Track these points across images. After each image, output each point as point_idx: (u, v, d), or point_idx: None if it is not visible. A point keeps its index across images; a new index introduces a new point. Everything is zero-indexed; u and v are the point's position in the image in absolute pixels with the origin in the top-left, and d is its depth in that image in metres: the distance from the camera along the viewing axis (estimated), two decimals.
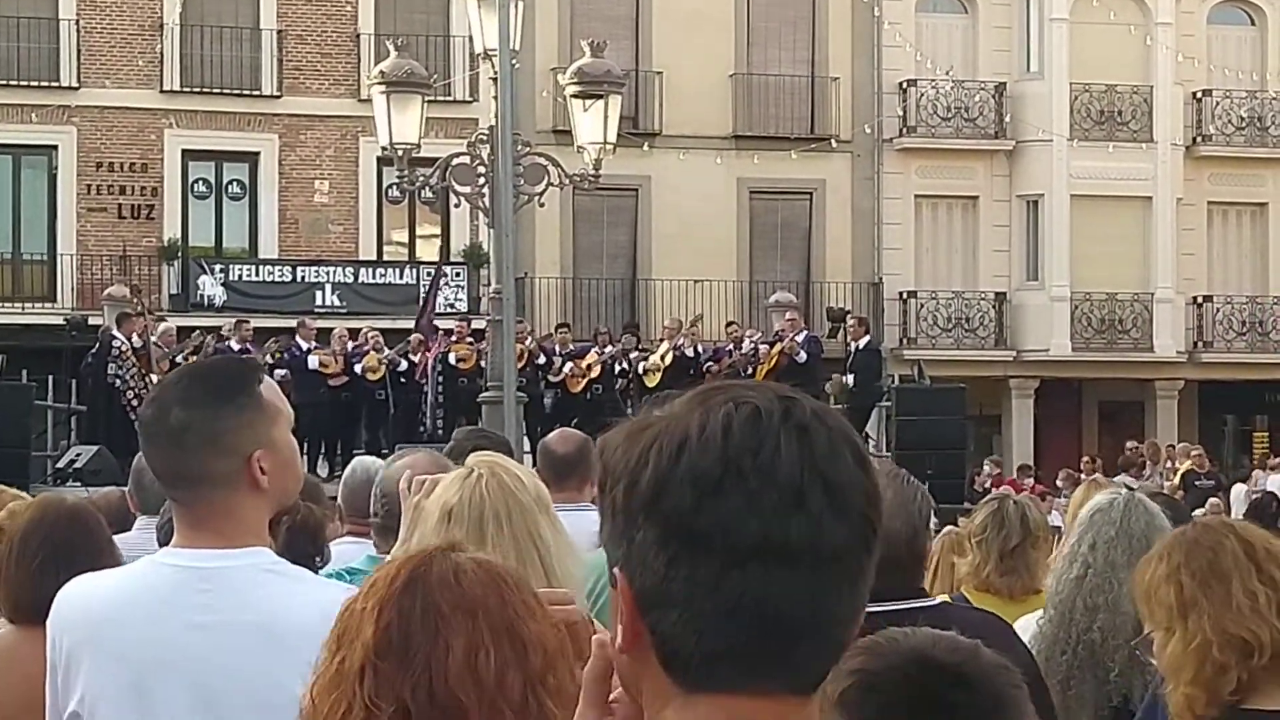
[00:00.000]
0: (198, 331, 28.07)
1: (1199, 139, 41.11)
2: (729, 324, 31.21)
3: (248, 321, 28.29)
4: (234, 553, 3.61)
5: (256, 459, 3.65)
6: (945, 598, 6.70)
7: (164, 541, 4.37)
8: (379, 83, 20.93)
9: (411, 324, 31.22)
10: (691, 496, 1.81)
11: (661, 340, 28.66)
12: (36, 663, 3.75)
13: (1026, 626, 5.16)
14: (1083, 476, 30.88)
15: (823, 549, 1.82)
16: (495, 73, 19.95)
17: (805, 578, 1.82)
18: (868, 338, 28.91)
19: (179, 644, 3.51)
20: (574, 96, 21.01)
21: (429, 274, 34.29)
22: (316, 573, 6.21)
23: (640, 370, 27.53)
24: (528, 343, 27.36)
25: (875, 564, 1.89)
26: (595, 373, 27.64)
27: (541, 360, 27.42)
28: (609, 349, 28.12)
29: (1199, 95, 41.13)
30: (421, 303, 31.53)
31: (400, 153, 20.64)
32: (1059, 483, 31.26)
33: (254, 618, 3.52)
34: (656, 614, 1.85)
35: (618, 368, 27.78)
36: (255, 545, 3.67)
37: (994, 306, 40.02)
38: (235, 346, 26.96)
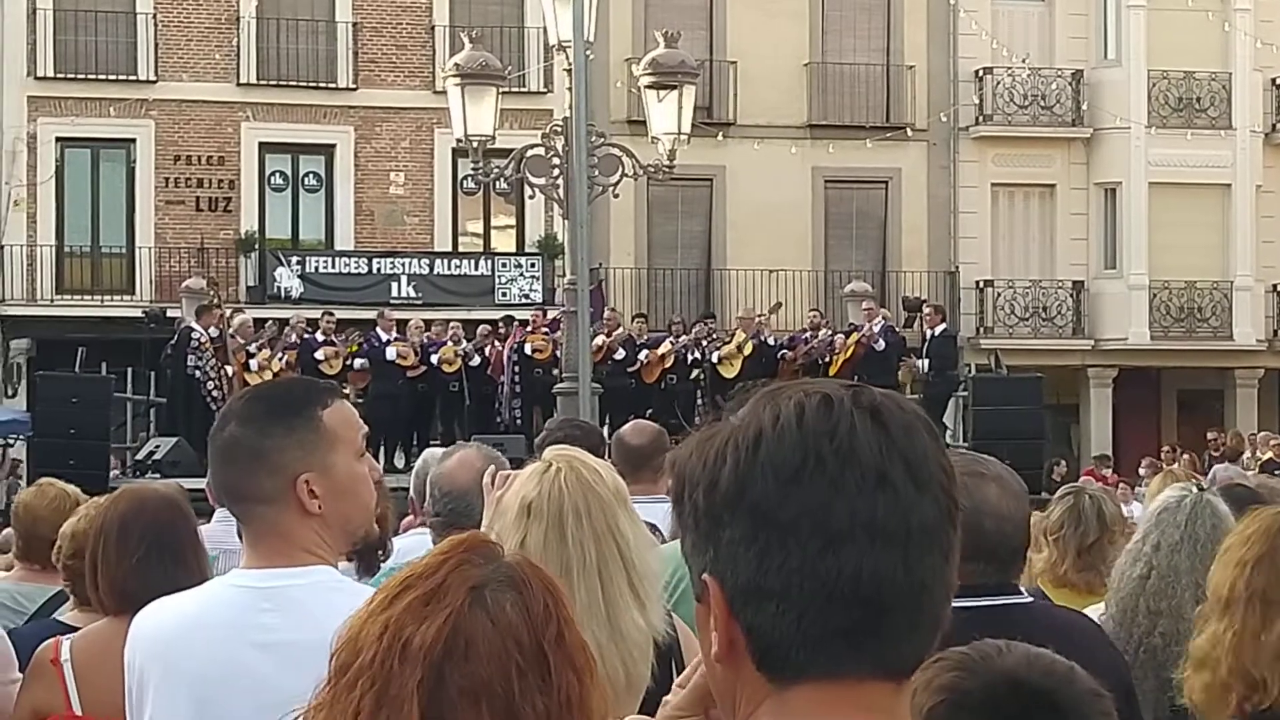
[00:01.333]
0: (271, 322, 28.24)
1: (1278, 126, 40.74)
2: (811, 310, 31.15)
3: (332, 313, 28.45)
4: (296, 571, 3.63)
5: (304, 481, 3.65)
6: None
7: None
8: (454, 75, 20.97)
9: (486, 315, 31.35)
10: (775, 486, 1.83)
11: (735, 330, 28.59)
12: None
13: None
14: (1163, 466, 30.75)
15: (912, 524, 1.83)
16: (569, 64, 19.94)
17: (898, 554, 1.82)
18: (944, 325, 28.80)
19: (243, 664, 3.52)
20: (648, 87, 21.02)
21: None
22: (379, 567, 6.25)
23: (715, 360, 27.49)
24: (618, 333, 27.41)
25: (960, 542, 1.90)
26: (669, 362, 27.63)
27: (620, 355, 27.43)
28: (682, 338, 28.10)
29: (1278, 81, 40.75)
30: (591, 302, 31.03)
31: (475, 144, 20.68)
32: (1141, 471, 31.06)
33: (316, 636, 3.50)
34: (752, 610, 1.85)
35: (690, 357, 27.74)
36: (318, 564, 3.67)
37: (1071, 295, 39.79)
38: (320, 338, 27.13)
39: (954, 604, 3.87)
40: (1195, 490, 5.01)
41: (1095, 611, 5.08)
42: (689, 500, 1.90)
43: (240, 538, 3.87)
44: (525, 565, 2.26)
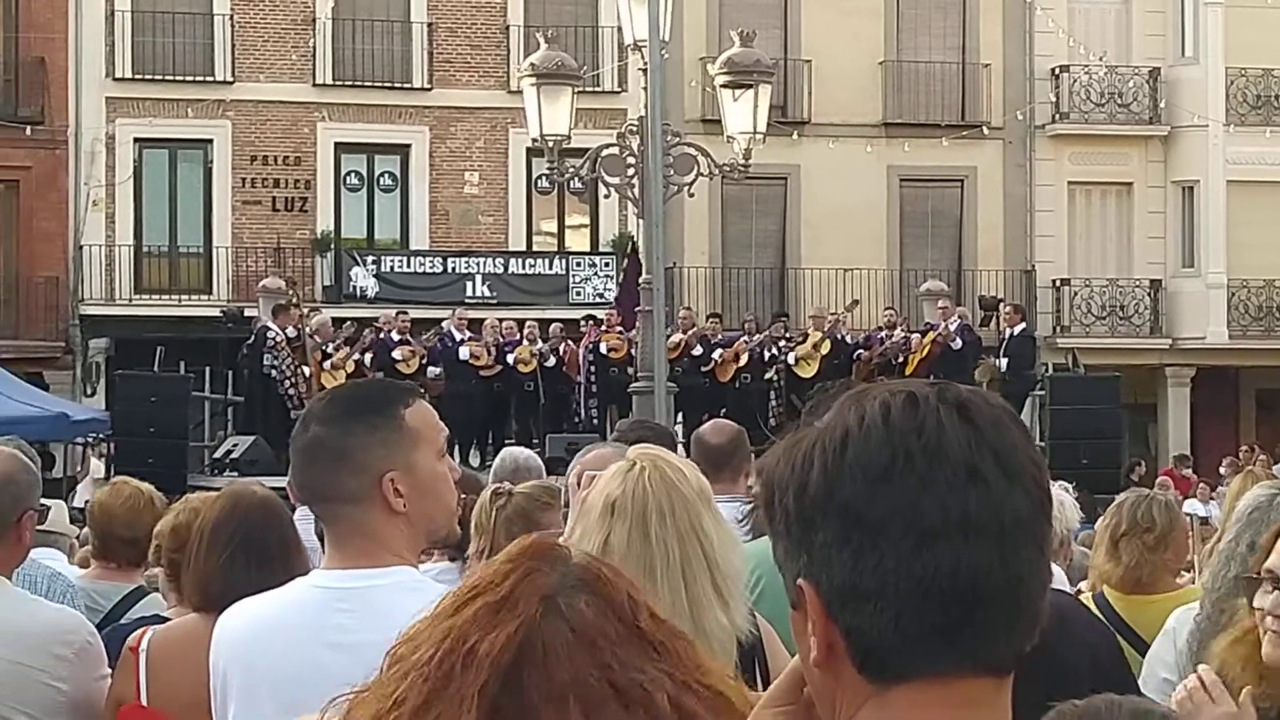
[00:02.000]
0: (349, 322, 28.35)
1: None
2: (887, 309, 31.05)
3: (405, 312, 28.53)
4: (376, 572, 3.63)
5: (389, 479, 3.66)
6: (1087, 597, 6.66)
7: None
8: (529, 75, 21.01)
9: (561, 314, 31.41)
10: (865, 485, 1.82)
11: (808, 330, 28.50)
12: None
13: (1185, 620, 5.10)
14: (1244, 466, 30.54)
15: (1005, 518, 1.81)
16: (645, 63, 19.95)
17: (993, 547, 1.81)
18: (1023, 324, 28.69)
19: (319, 664, 3.49)
20: (723, 86, 21.01)
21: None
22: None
23: (793, 360, 27.43)
24: (691, 332, 27.40)
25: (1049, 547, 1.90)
26: (744, 361, 27.60)
27: (698, 352, 27.42)
28: (756, 337, 28.05)
29: None
30: (619, 293, 31.11)
31: (551, 144, 20.71)
32: (1222, 471, 30.88)
33: (393, 636, 3.51)
34: (850, 611, 1.84)
35: (766, 355, 27.69)
36: (400, 565, 3.68)
37: (1149, 294, 39.55)
38: (395, 337, 27.20)
39: None
40: None
41: (1190, 610, 5.05)
42: (780, 506, 1.89)
43: (319, 537, 3.88)
44: (596, 564, 2.22)
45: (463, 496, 5.05)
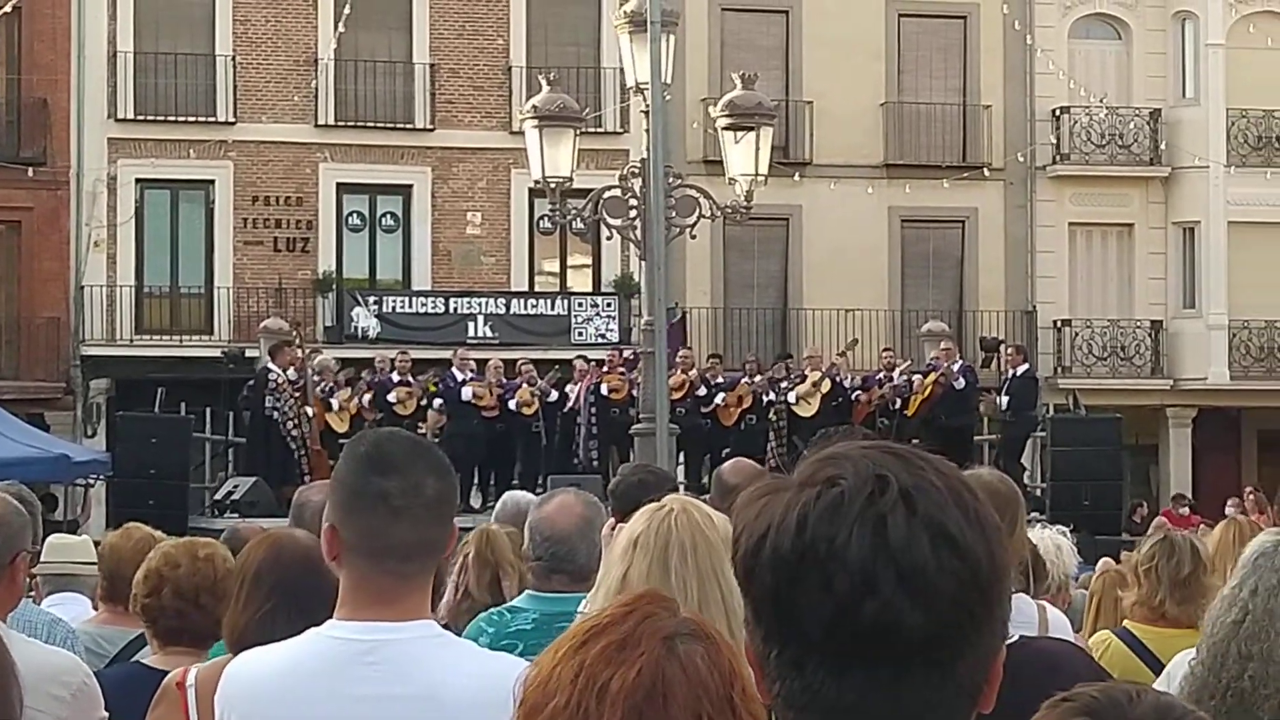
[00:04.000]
0: (335, 361, 28.22)
1: None
2: (885, 349, 31.04)
3: (406, 352, 28.51)
4: (401, 625, 3.59)
5: (452, 530, 3.73)
6: (1108, 633, 6.64)
7: None
8: (532, 117, 21.04)
9: (562, 355, 31.42)
10: (772, 582, 1.89)
11: (806, 371, 28.45)
12: None
13: (1181, 664, 5.09)
14: (1246, 507, 30.52)
15: (900, 635, 1.84)
16: (647, 105, 19.99)
17: (885, 667, 1.85)
18: (1025, 365, 28.69)
19: (344, 717, 3.49)
20: (725, 129, 21.06)
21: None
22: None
23: (793, 399, 27.41)
24: (692, 373, 27.38)
25: (983, 646, 1.92)
26: (747, 403, 27.58)
27: (702, 392, 27.40)
28: (758, 378, 28.03)
29: None
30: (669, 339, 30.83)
31: (553, 186, 20.73)
32: (1228, 511, 30.86)
33: (418, 690, 3.49)
34: (768, 681, 1.93)
35: (767, 398, 27.67)
36: (423, 617, 3.66)
37: (1150, 335, 39.56)
38: (395, 378, 27.18)
39: None
40: None
41: (1189, 655, 5.04)
42: (733, 554, 1.98)
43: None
44: (706, 622, 2.32)
45: None
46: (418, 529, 3.61)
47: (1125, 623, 6.57)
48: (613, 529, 4.12)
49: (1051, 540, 7.39)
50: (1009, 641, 4.20)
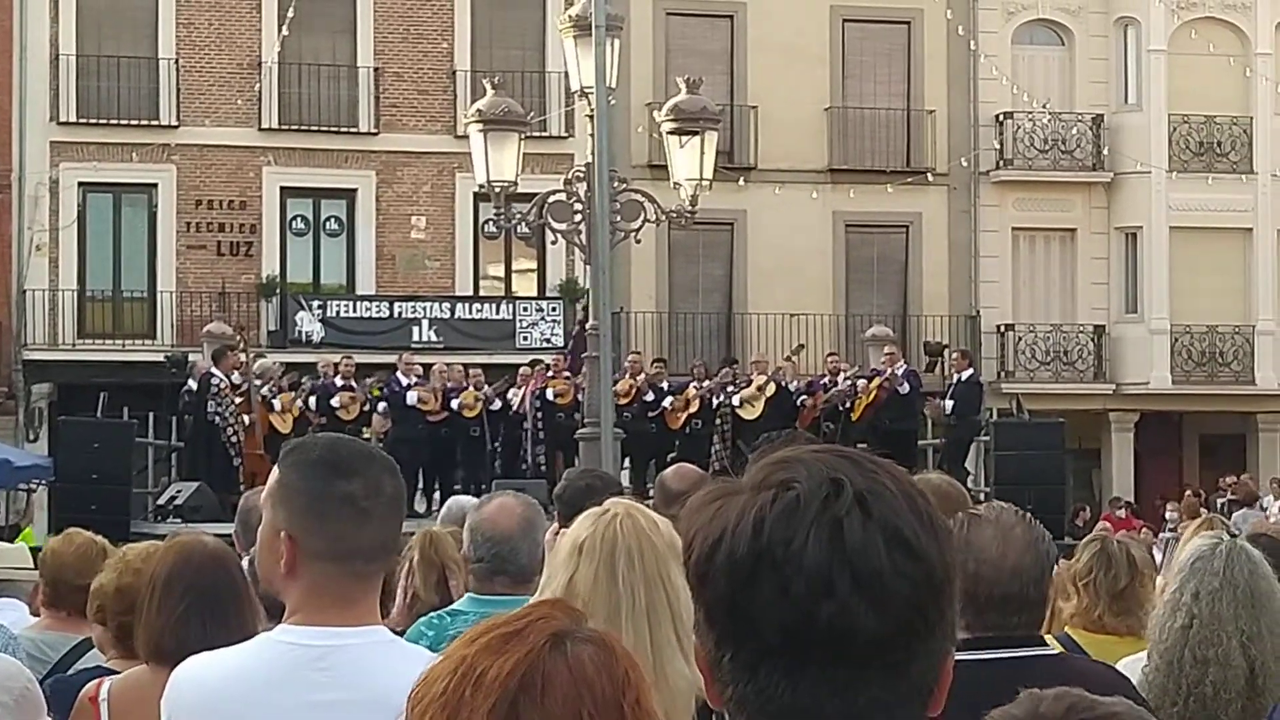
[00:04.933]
0: (278, 365, 28.14)
1: None
2: (830, 354, 31.10)
3: (351, 357, 28.44)
4: (352, 630, 3.58)
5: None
6: (1052, 639, 6.66)
7: None
8: (476, 121, 21.02)
9: (508, 359, 31.40)
10: (727, 585, 1.89)
11: (752, 375, 28.49)
12: None
13: (1131, 671, 5.10)
14: (1184, 511, 30.71)
15: (857, 638, 1.85)
16: (592, 110, 19.99)
17: (840, 669, 1.86)
18: (970, 370, 28.77)
19: None
20: (670, 133, 21.06)
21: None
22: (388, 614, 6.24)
23: (737, 402, 27.44)
24: (639, 378, 27.38)
25: (934, 649, 1.93)
26: (694, 407, 27.61)
27: (650, 397, 27.40)
28: (706, 383, 28.05)
29: None
30: (572, 343, 30.98)
31: (498, 190, 20.71)
32: (1168, 515, 31.10)
33: (369, 696, 3.46)
34: (719, 685, 1.93)
35: (715, 402, 27.71)
36: (375, 623, 3.65)
37: (1093, 339, 39.75)
38: (339, 382, 27.11)
39: (968, 656, 3.81)
40: (1228, 537, 4.99)
41: (1138, 661, 5.06)
42: (686, 559, 1.98)
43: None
44: (611, 635, 2.29)
45: None
46: (383, 529, 3.63)
47: (1067, 628, 6.58)
48: (556, 534, 4.10)
49: None
50: (1048, 654, 4.21)
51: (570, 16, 20.73)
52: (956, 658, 4.10)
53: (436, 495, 25.77)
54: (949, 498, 5.65)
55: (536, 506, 5.73)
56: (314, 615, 3.58)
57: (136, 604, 4.92)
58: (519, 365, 29.53)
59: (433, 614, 5.69)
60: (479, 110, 21.12)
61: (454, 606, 5.67)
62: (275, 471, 3.70)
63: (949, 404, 27.77)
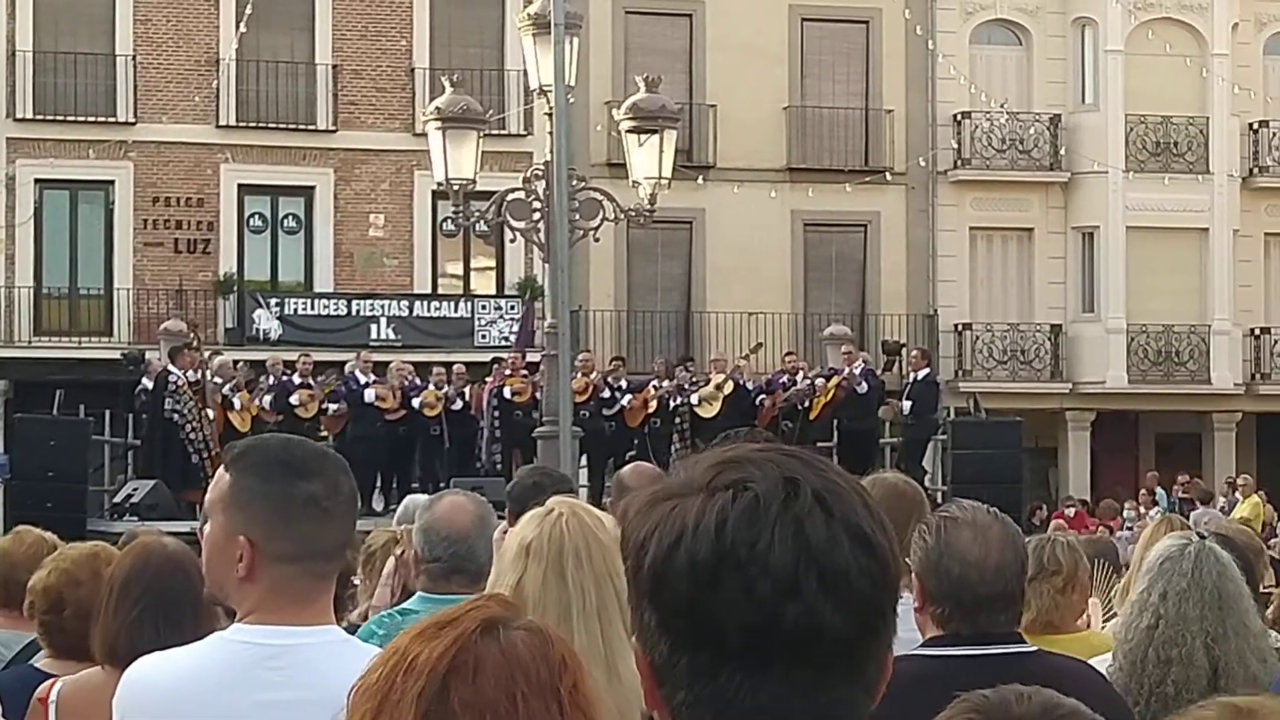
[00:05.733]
0: (242, 363, 28.07)
1: (1255, 170, 40.92)
2: (787, 354, 31.11)
3: (308, 355, 28.37)
4: (306, 630, 3.57)
5: None
6: None
7: None
8: (435, 119, 20.96)
9: (466, 357, 31.32)
10: (688, 588, 1.86)
11: (710, 374, 28.49)
12: None
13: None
14: (1142, 509, 30.86)
15: (822, 637, 1.85)
16: (550, 108, 19.97)
17: (803, 669, 1.85)
18: (928, 369, 28.79)
19: None
20: (629, 131, 21.05)
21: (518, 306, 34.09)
22: (344, 614, 6.24)
23: (695, 400, 27.45)
24: (593, 375, 27.36)
25: (886, 645, 1.93)
26: (653, 407, 27.61)
27: (606, 394, 27.39)
28: (665, 383, 28.04)
29: (1255, 126, 40.95)
30: (518, 335, 31.13)
31: (456, 188, 20.67)
32: (1124, 514, 31.24)
33: (324, 694, 3.45)
34: (668, 690, 1.91)
35: (673, 403, 27.70)
36: (329, 622, 3.65)
37: (1050, 339, 39.87)
38: (296, 380, 27.04)
39: (947, 651, 3.81)
40: (1197, 538, 5.01)
41: (1102, 662, 5.09)
42: (626, 562, 1.96)
43: None
44: (549, 625, 2.30)
45: None
46: (343, 529, 3.66)
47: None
48: (504, 533, 4.09)
49: None
50: (1027, 651, 4.22)
51: (529, 15, 20.71)
52: (944, 652, 4.09)
53: (394, 492, 25.70)
54: (904, 497, 5.67)
55: (488, 505, 5.73)
56: (269, 615, 3.58)
57: (78, 605, 4.89)
58: (478, 363, 29.49)
59: (383, 613, 5.69)
60: (437, 108, 21.08)
61: (405, 605, 5.66)
62: (225, 475, 3.65)
63: (906, 404, 27.83)
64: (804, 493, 1.88)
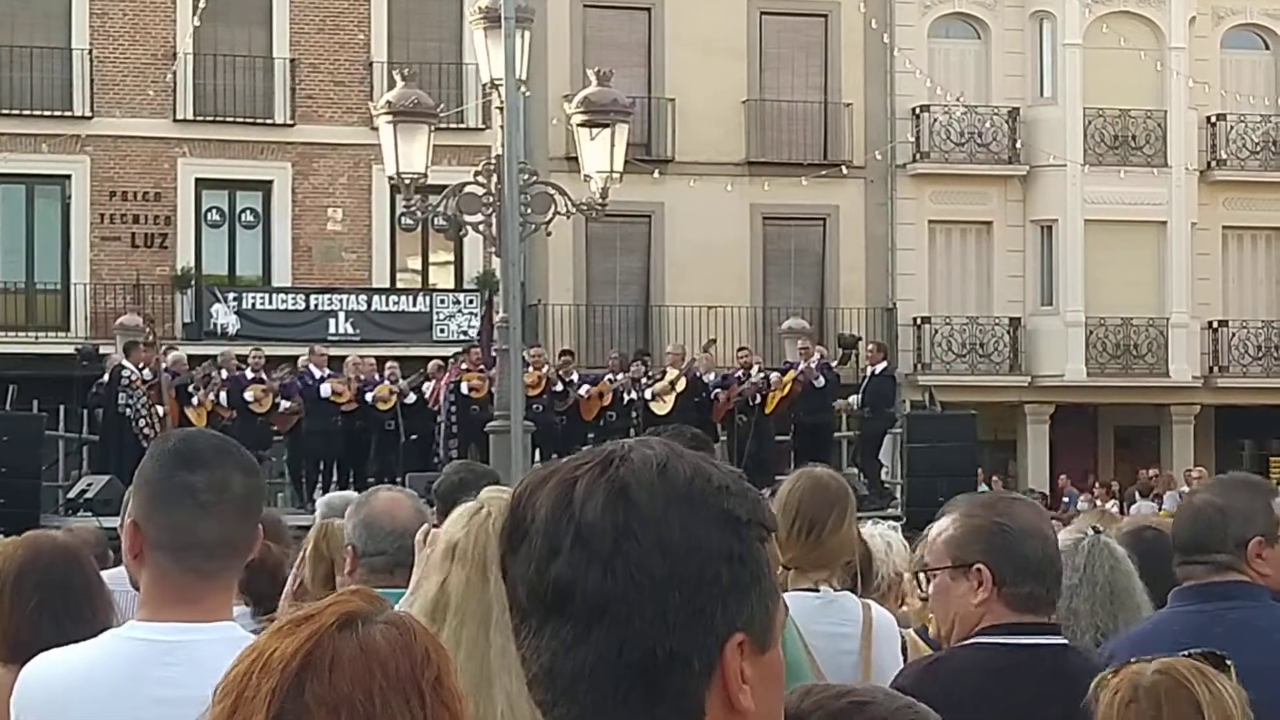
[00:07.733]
0: (207, 362, 28.05)
1: (1213, 164, 41.07)
2: (740, 349, 31.12)
3: (260, 349, 28.29)
4: (203, 626, 3.57)
5: (260, 527, 3.75)
6: (912, 632, 6.63)
7: None
8: (386, 112, 20.96)
9: (424, 351, 31.27)
10: (503, 556, 1.98)
11: (666, 368, 28.50)
12: None
13: None
14: (1098, 502, 30.96)
15: (574, 594, 1.87)
16: (503, 101, 19.97)
17: (568, 629, 1.89)
18: (884, 363, 28.83)
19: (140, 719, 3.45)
20: (580, 125, 21.05)
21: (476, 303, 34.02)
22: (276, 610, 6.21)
23: (649, 396, 27.46)
24: (545, 369, 27.33)
25: (690, 628, 1.87)
26: (609, 400, 27.60)
27: (559, 388, 27.37)
28: (620, 377, 28.04)
29: (1213, 120, 41.10)
30: (479, 333, 30.99)
31: (408, 182, 20.65)
32: (1080, 507, 31.28)
33: None
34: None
35: (628, 397, 27.71)
36: (226, 619, 3.65)
37: (1008, 332, 39.95)
38: (249, 375, 26.95)
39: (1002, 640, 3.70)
40: (1091, 532, 5.02)
41: None
42: None
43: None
44: (412, 618, 2.26)
45: (264, 543, 4.99)
46: (224, 526, 3.61)
47: (923, 620, 6.60)
48: (425, 535, 4.03)
49: (882, 538, 7.32)
50: (1056, 644, 4.20)
51: (480, 8, 20.70)
52: (1003, 641, 4.00)
53: (351, 487, 25.63)
54: (828, 489, 5.65)
55: (420, 500, 5.72)
56: (160, 610, 3.59)
57: None
58: (437, 357, 29.45)
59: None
60: (388, 102, 21.07)
61: None
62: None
63: (855, 399, 27.86)
64: (612, 461, 1.90)
